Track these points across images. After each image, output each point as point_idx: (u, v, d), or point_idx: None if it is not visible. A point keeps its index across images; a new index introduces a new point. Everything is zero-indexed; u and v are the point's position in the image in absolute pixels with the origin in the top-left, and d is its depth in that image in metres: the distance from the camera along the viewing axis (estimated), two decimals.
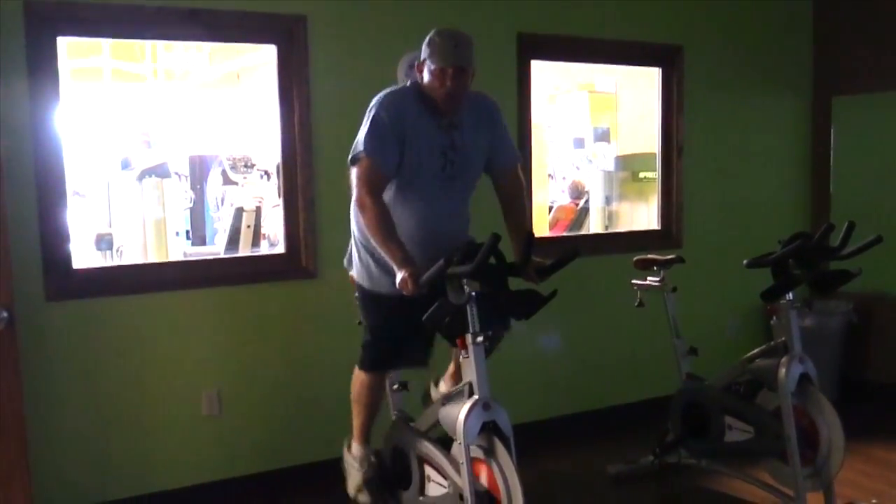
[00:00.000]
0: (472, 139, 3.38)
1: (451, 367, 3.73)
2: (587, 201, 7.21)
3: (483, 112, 3.45)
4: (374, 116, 3.24)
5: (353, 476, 3.68)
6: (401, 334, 3.44)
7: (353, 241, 3.55)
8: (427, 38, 3.24)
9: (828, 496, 3.72)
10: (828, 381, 4.81)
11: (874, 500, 3.83)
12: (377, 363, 3.57)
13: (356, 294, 3.57)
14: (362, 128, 3.28)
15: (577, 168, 7.55)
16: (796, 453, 3.62)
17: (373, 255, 3.38)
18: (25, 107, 3.62)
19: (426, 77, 3.24)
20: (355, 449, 3.70)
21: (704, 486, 4.24)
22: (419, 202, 3.34)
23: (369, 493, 3.60)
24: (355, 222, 3.48)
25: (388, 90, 3.36)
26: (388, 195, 3.31)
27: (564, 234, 6.96)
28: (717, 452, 4.12)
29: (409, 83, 3.45)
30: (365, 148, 3.22)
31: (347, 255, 3.63)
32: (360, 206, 3.23)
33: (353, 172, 3.30)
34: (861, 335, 5.56)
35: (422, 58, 3.26)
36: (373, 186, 3.21)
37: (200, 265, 4.47)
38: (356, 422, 3.67)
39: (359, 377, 3.62)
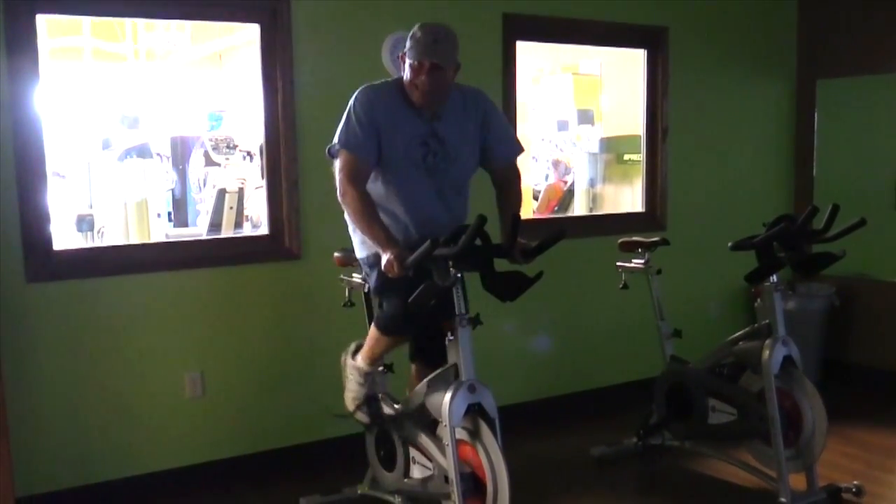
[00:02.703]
0: (458, 131, 3.37)
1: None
2: (573, 183, 7.22)
3: (471, 104, 3.42)
4: (348, 111, 3.30)
5: (354, 389, 3.57)
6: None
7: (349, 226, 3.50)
8: (411, 32, 3.23)
9: (810, 477, 3.75)
10: (810, 363, 4.83)
11: (855, 482, 3.85)
12: (400, 324, 3.32)
13: (348, 276, 3.53)
14: (340, 123, 3.31)
15: (561, 150, 7.55)
16: (779, 435, 3.64)
17: None
18: (4, 86, 3.57)
19: (406, 70, 3.25)
20: (361, 363, 3.55)
21: (688, 468, 4.25)
22: (404, 195, 3.34)
23: (369, 414, 3.51)
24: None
25: (369, 83, 3.37)
26: (377, 190, 3.33)
27: (550, 216, 6.97)
28: (701, 434, 4.14)
29: (394, 77, 3.45)
30: (340, 141, 3.28)
31: (355, 247, 3.52)
32: (342, 196, 3.27)
33: (335, 165, 3.34)
34: (843, 318, 5.59)
35: (404, 49, 3.26)
36: (353, 177, 3.25)
37: (183, 246, 4.42)
38: (370, 351, 3.49)
39: (375, 334, 3.44)
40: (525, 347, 4.94)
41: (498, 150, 3.49)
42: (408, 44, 3.23)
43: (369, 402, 3.54)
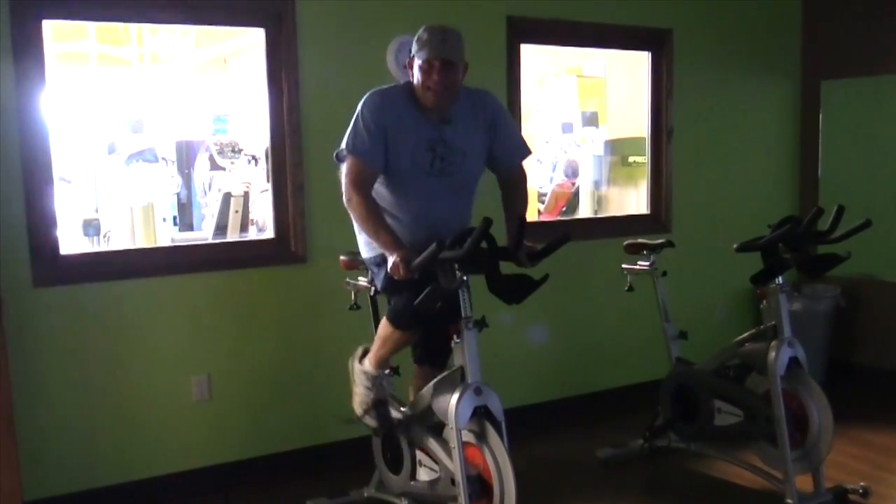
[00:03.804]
0: (466, 135, 3.36)
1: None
2: (578, 186, 7.22)
3: (480, 107, 3.42)
4: (357, 115, 3.28)
5: (362, 393, 3.54)
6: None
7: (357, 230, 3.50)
8: (416, 35, 3.23)
9: (816, 479, 3.74)
10: (816, 364, 4.83)
11: (862, 483, 3.84)
12: (412, 318, 3.30)
13: (353, 280, 3.54)
14: (349, 128, 3.30)
15: (565, 152, 7.55)
16: (785, 436, 3.63)
17: None
18: (11, 91, 3.58)
19: (415, 73, 3.24)
20: (368, 366, 3.53)
21: (694, 470, 4.25)
22: (411, 200, 3.34)
23: (377, 418, 3.50)
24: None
25: (377, 88, 3.37)
26: (383, 194, 3.33)
27: (555, 218, 6.97)
28: (707, 436, 4.13)
29: (402, 81, 3.45)
30: (347, 146, 3.27)
31: (360, 247, 3.52)
32: (348, 201, 3.27)
33: (342, 170, 3.33)
34: (849, 319, 5.59)
35: (411, 54, 3.26)
36: (359, 182, 3.24)
37: (188, 251, 4.44)
38: (377, 353, 3.48)
39: (388, 328, 3.39)
40: (531, 350, 4.93)
41: (504, 154, 3.49)
42: (414, 47, 3.22)
43: (377, 406, 3.51)
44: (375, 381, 3.52)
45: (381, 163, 3.26)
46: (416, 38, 3.23)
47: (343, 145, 3.28)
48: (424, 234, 3.27)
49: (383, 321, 3.44)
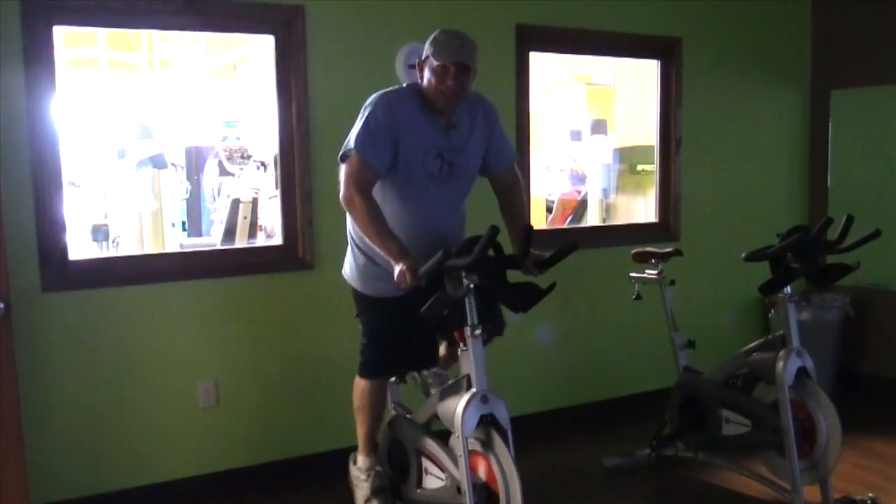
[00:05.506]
0: (469, 139, 3.37)
1: (443, 349, 3.71)
2: (586, 194, 7.22)
3: (479, 112, 3.43)
4: (367, 115, 3.23)
5: (362, 488, 3.61)
6: (400, 336, 3.40)
7: (349, 244, 3.52)
8: (431, 37, 3.21)
9: (824, 489, 3.72)
10: (824, 374, 4.81)
11: (870, 494, 3.83)
12: (377, 369, 3.53)
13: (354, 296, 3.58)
14: (355, 126, 3.27)
15: (574, 160, 7.55)
16: (793, 446, 3.62)
17: (369, 256, 3.36)
18: (21, 97, 3.59)
19: (427, 75, 3.21)
20: (361, 461, 3.65)
21: (701, 480, 4.24)
22: (414, 202, 3.33)
23: (378, 502, 3.54)
24: (351, 223, 3.45)
25: (385, 90, 3.35)
26: (382, 196, 3.30)
27: (563, 226, 6.96)
28: (715, 445, 4.11)
29: (405, 84, 3.45)
30: (355, 145, 3.21)
31: (344, 263, 3.58)
32: (349, 202, 3.21)
33: (342, 170, 3.28)
34: (858, 329, 5.57)
35: (424, 56, 3.23)
36: (361, 183, 3.19)
37: (197, 256, 4.44)
38: (360, 431, 3.63)
39: (360, 384, 3.58)
40: (537, 357, 4.93)
41: (497, 157, 3.51)
42: (429, 49, 3.19)
43: (376, 493, 3.55)
44: (370, 470, 3.61)
45: (386, 165, 3.23)
46: (431, 39, 3.20)
47: (351, 144, 3.23)
48: (424, 234, 3.27)
49: (355, 382, 3.58)
